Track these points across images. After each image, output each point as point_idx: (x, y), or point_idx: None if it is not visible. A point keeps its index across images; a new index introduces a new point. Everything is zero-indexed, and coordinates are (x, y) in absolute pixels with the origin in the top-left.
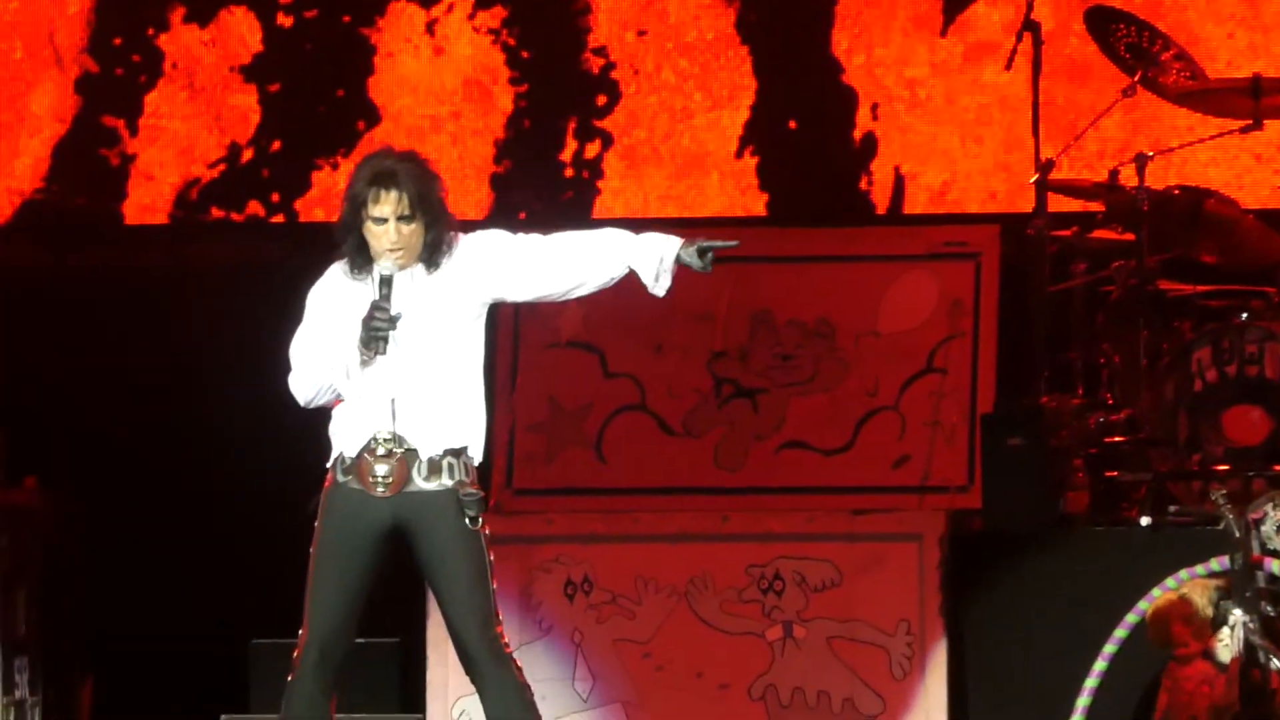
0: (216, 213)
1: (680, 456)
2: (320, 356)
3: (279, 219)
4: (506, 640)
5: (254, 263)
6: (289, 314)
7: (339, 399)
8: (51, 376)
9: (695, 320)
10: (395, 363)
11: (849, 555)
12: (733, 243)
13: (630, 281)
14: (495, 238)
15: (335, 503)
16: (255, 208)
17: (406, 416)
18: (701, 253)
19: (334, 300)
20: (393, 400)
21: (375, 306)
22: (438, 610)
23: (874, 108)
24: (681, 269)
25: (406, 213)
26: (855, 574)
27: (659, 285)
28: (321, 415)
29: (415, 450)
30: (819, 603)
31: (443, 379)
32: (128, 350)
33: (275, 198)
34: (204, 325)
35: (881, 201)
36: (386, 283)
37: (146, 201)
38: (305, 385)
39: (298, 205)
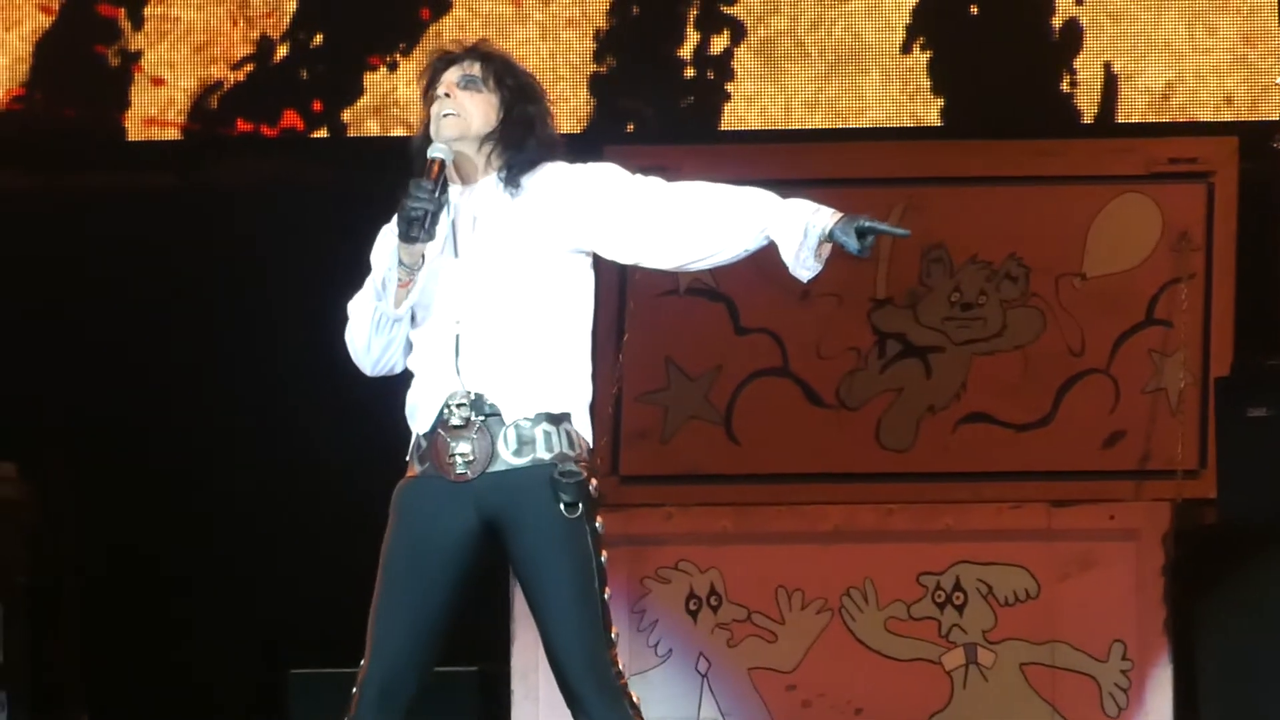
0: (243, 126)
1: (832, 434)
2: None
3: (321, 133)
4: (621, 669)
5: (291, 188)
6: (335, 253)
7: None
8: (37, 335)
9: (850, 259)
10: (459, 288)
11: (1048, 559)
12: (903, 231)
13: None
14: (601, 174)
15: (408, 498)
16: (292, 119)
17: (478, 361)
18: (861, 233)
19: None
20: (457, 337)
21: (413, 184)
22: (526, 633)
23: None
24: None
25: (475, 75)
26: (1055, 583)
27: (801, 264)
28: (388, 384)
29: (499, 414)
30: (1010, 620)
31: (524, 321)
32: (130, 300)
33: (317, 106)
34: (227, 268)
35: (1088, 108)
36: (435, 162)
37: (154, 112)
38: (355, 332)
39: (345, 116)
